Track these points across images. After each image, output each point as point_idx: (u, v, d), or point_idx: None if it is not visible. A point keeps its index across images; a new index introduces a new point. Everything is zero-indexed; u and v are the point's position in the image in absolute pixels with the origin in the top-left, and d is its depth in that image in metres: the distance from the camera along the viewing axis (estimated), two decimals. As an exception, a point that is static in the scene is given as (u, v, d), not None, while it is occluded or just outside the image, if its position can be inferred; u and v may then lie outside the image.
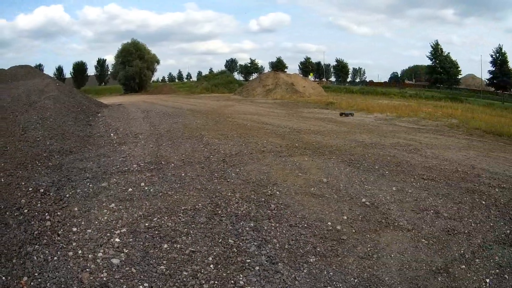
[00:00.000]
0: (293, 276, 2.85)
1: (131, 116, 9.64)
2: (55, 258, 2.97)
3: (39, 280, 2.73)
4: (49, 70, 50.88)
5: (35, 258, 2.98)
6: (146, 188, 4.22)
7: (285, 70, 56.09)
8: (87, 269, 2.82)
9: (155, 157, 5.39)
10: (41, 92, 8.73)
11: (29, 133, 5.85)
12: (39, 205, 3.78)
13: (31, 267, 2.86)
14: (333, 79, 66.93)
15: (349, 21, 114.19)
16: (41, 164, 4.76)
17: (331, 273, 2.89)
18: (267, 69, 65.46)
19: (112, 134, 6.84)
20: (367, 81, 65.69)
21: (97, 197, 3.97)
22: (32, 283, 2.71)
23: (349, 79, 68.47)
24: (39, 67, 41.18)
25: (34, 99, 7.98)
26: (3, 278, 2.78)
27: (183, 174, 4.68)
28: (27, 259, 2.95)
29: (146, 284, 2.71)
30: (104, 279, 2.74)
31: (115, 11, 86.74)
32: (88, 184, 4.29)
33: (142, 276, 2.77)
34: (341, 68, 65.52)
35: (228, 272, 2.86)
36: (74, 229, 3.36)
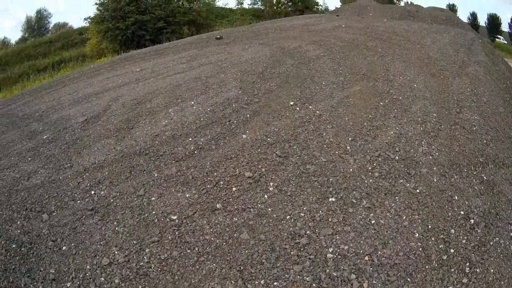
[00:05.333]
0: None
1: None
2: None
3: None
4: (463, 16, 41.50)
5: None
6: None
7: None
8: None
9: None
10: (468, 51, 7.10)
11: (464, 115, 4.46)
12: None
13: None
14: None
15: None
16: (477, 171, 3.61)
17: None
18: None
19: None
20: None
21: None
22: None
23: None
24: (452, 7, 32.63)
25: (463, 59, 6.37)
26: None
27: None
28: None
29: None
30: None
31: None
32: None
33: None
34: None
35: None
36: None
